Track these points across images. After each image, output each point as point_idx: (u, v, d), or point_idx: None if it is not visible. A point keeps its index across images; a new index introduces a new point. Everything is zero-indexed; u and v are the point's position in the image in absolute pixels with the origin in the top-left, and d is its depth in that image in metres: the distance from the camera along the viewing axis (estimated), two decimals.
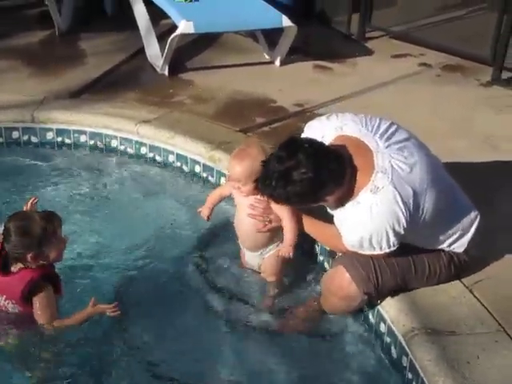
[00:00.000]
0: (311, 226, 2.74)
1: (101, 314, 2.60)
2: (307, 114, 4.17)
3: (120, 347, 2.66)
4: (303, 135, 2.60)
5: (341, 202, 2.43)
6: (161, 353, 2.66)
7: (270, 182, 2.29)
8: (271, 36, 5.06)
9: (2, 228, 2.55)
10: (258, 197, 2.71)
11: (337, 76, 4.84)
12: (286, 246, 2.75)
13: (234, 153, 2.77)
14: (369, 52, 5.29)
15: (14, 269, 2.55)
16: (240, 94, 4.44)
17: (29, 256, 2.49)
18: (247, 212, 2.77)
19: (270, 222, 2.75)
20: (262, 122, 4.06)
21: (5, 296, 2.56)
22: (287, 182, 2.27)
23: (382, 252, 2.42)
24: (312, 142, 2.33)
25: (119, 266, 3.08)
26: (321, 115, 2.70)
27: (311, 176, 2.25)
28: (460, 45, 5.12)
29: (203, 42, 5.27)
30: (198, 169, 3.76)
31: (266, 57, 5.08)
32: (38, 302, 2.53)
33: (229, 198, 3.00)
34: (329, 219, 2.61)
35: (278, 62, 4.97)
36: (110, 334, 2.70)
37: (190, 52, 5.11)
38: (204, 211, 2.95)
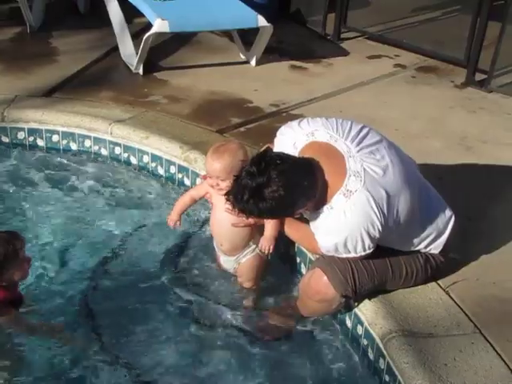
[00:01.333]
0: (289, 226, 2.72)
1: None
2: (283, 114, 4.16)
3: (94, 354, 2.61)
4: (275, 141, 2.60)
5: (315, 208, 2.43)
6: (135, 359, 2.61)
7: (241, 197, 2.28)
8: (247, 35, 5.05)
9: None
10: None
11: (312, 76, 4.84)
12: (266, 239, 2.71)
13: (212, 149, 2.72)
14: (344, 52, 5.31)
15: None
16: (215, 94, 4.41)
17: None
18: (225, 208, 2.71)
19: (248, 217, 2.70)
20: (237, 123, 4.04)
21: None
22: (258, 199, 2.26)
23: (357, 255, 2.42)
24: (284, 158, 2.31)
25: (89, 271, 3.02)
26: (296, 116, 2.71)
27: (282, 194, 2.25)
28: (434, 46, 5.18)
29: (178, 41, 5.23)
30: (173, 169, 3.72)
31: (242, 56, 5.05)
32: (4, 322, 2.50)
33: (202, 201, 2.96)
34: (306, 220, 2.59)
35: (253, 62, 4.95)
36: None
37: (165, 51, 5.06)
38: (172, 217, 2.88)
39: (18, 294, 2.62)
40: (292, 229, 2.70)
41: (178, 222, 2.89)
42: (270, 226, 2.71)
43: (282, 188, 2.24)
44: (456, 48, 4.94)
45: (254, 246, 2.84)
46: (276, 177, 2.24)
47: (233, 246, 2.85)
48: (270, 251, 2.74)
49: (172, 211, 2.91)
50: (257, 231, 2.81)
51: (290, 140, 2.49)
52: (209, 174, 2.71)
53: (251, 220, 2.69)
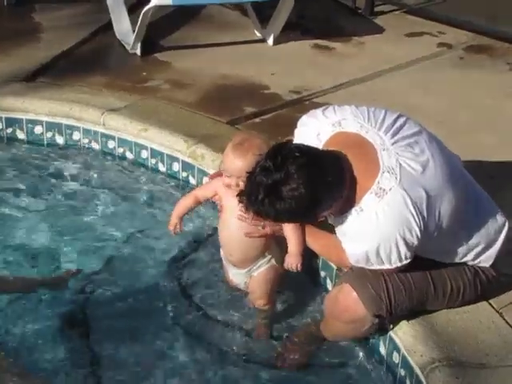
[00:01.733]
0: (310, 235, 2.72)
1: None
2: (305, 102, 4.18)
3: (87, 369, 2.67)
4: (296, 132, 2.60)
5: (341, 210, 2.42)
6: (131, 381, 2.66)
7: (255, 197, 2.28)
8: (263, 9, 5.06)
9: None
10: None
11: (340, 58, 4.84)
12: (291, 256, 2.71)
13: (234, 144, 2.71)
14: (379, 30, 5.30)
15: None
16: (226, 79, 4.42)
17: None
18: (237, 215, 2.71)
19: (264, 227, 2.72)
20: (252, 112, 4.06)
21: None
22: (275, 199, 2.25)
23: (392, 267, 2.42)
24: (304, 150, 2.31)
25: (79, 282, 3.06)
26: (321, 104, 2.71)
27: (303, 192, 2.23)
28: (487, 21, 5.16)
29: (182, 15, 5.26)
30: (176, 167, 3.74)
31: (257, 34, 5.07)
32: None
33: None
34: (331, 228, 2.59)
35: (271, 41, 4.96)
36: (76, 352, 2.73)
37: (167, 28, 5.10)
38: (171, 220, 2.89)
39: None
40: (313, 238, 2.70)
41: (179, 226, 2.91)
42: (293, 239, 2.70)
43: (302, 185, 2.23)
44: None
45: (269, 257, 2.85)
46: (295, 172, 2.23)
47: (244, 257, 2.86)
48: (299, 269, 2.73)
49: (172, 214, 2.92)
50: (273, 240, 2.82)
51: (313, 131, 2.49)
52: (228, 172, 2.71)
53: (267, 229, 2.71)
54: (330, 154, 2.36)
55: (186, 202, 2.93)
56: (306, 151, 2.31)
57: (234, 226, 2.77)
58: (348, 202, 2.38)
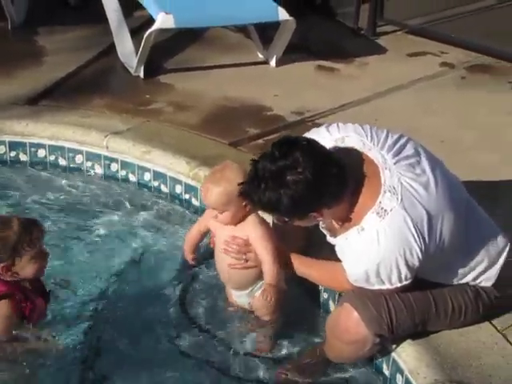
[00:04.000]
0: (304, 265, 2.75)
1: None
2: (308, 123, 4.19)
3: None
4: None
5: (342, 226, 2.45)
6: None
7: (259, 183, 2.29)
8: (266, 31, 5.10)
9: None
10: (237, 230, 2.75)
11: (343, 78, 4.87)
12: (267, 288, 2.76)
13: (208, 176, 2.80)
14: (381, 50, 5.34)
15: None
16: (229, 101, 4.45)
17: None
18: (221, 249, 2.80)
19: (247, 260, 2.78)
20: (255, 134, 4.08)
21: None
22: (280, 184, 2.26)
23: (392, 287, 2.43)
24: (311, 141, 2.35)
25: (86, 301, 3.08)
26: (326, 123, 2.72)
27: (308, 178, 2.25)
28: (489, 41, 5.17)
29: (185, 38, 5.29)
30: (179, 189, 3.76)
31: (260, 56, 5.11)
32: None
33: None
34: (328, 255, 2.61)
35: (273, 63, 5.00)
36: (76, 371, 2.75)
37: (170, 50, 5.13)
38: (188, 256, 3.03)
39: (29, 292, 2.70)
40: (311, 268, 2.74)
41: (195, 257, 3.03)
42: (267, 272, 2.75)
43: (308, 171, 2.24)
44: None
45: None
46: (301, 158, 2.25)
47: (238, 286, 2.93)
48: (272, 300, 2.76)
49: (185, 251, 3.03)
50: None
51: None
52: (206, 205, 2.80)
53: (250, 263, 2.77)
54: (336, 153, 2.38)
55: (191, 237, 3.03)
56: (313, 141, 2.34)
57: (223, 259, 2.84)
58: (349, 215, 2.40)
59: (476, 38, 5.23)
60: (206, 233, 3.01)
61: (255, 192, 2.32)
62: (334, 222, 2.51)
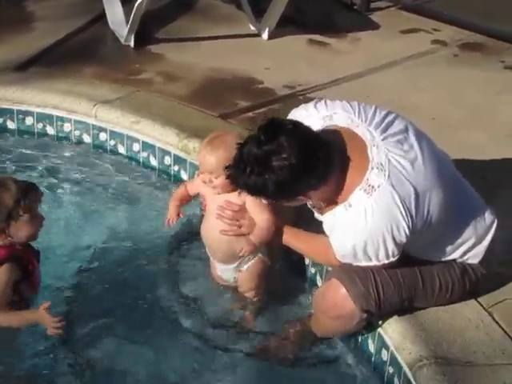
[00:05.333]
0: (295, 237, 2.75)
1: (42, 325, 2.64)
2: (299, 97, 4.17)
3: (73, 365, 2.68)
4: None
5: (329, 205, 2.45)
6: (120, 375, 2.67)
7: (244, 167, 2.30)
8: (258, 3, 5.05)
9: None
10: (233, 196, 2.72)
11: (335, 53, 4.84)
12: (248, 240, 2.76)
13: (207, 140, 2.78)
14: (374, 26, 5.30)
15: None
16: (219, 72, 4.42)
17: None
18: (216, 214, 2.78)
19: (240, 227, 2.77)
20: (245, 106, 4.06)
21: None
22: (265, 169, 2.27)
23: (379, 263, 2.44)
24: (297, 124, 2.35)
25: (71, 276, 3.06)
26: (315, 99, 2.71)
27: (293, 162, 2.26)
28: (482, 19, 5.15)
29: (177, 7, 5.25)
30: (168, 160, 3.74)
31: (252, 28, 5.06)
32: None
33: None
34: (316, 231, 2.61)
35: (265, 35, 4.96)
36: (60, 349, 2.73)
37: (161, 20, 5.08)
38: (171, 210, 2.94)
39: (28, 257, 2.71)
40: (300, 240, 2.74)
41: (176, 219, 2.95)
42: (256, 230, 2.75)
43: (293, 156, 2.25)
44: (507, 21, 4.93)
45: (259, 253, 2.88)
46: (287, 143, 2.25)
47: (227, 257, 2.90)
48: (244, 254, 2.79)
49: (170, 208, 2.95)
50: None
51: (303, 122, 2.50)
52: (201, 168, 2.78)
53: (244, 229, 2.76)
54: (322, 135, 2.38)
55: (178, 193, 2.98)
56: (299, 125, 2.34)
57: (215, 226, 2.81)
58: (336, 194, 2.40)
59: (469, 16, 5.21)
60: (191, 197, 2.99)
61: (241, 176, 2.33)
62: (321, 202, 2.50)
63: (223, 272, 2.97)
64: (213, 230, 2.85)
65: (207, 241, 2.94)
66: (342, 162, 2.37)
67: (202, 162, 2.76)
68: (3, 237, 2.64)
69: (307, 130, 2.36)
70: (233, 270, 2.93)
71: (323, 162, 2.32)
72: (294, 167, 2.26)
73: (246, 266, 2.90)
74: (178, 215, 2.95)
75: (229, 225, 2.77)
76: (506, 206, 3.05)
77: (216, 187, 2.75)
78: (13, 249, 2.67)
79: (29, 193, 2.64)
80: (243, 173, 2.31)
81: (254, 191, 2.38)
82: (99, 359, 2.72)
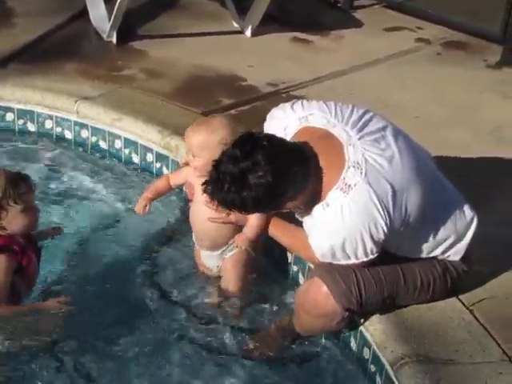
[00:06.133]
0: (281, 230, 2.75)
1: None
2: (282, 95, 4.18)
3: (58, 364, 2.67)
4: (265, 125, 2.65)
5: (308, 206, 2.45)
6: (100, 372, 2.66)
7: (221, 185, 2.31)
8: (242, 0, 5.04)
9: None
10: None
11: (319, 51, 4.84)
12: (241, 237, 2.77)
13: (195, 122, 2.88)
14: (357, 24, 5.31)
15: None
16: (203, 69, 4.40)
17: None
18: (203, 201, 2.74)
19: (229, 214, 2.75)
20: (228, 104, 4.04)
21: None
22: (241, 187, 2.29)
23: (358, 261, 2.44)
24: (272, 140, 2.35)
25: (52, 272, 3.04)
26: (298, 98, 2.71)
27: (269, 180, 2.28)
28: (465, 18, 5.19)
29: (160, 3, 5.23)
30: (150, 158, 3.72)
31: (235, 25, 5.05)
32: None
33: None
34: (300, 223, 2.61)
35: (248, 32, 4.95)
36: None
37: (144, 16, 5.06)
38: (140, 201, 2.95)
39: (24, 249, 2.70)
40: (283, 232, 2.73)
41: (147, 208, 2.95)
42: (250, 226, 2.75)
43: (269, 174, 2.27)
44: (491, 20, 4.95)
45: None
46: (262, 160, 2.27)
47: (214, 243, 2.92)
48: (242, 248, 2.81)
49: (140, 199, 2.96)
50: (242, 227, 2.83)
51: (280, 124, 2.54)
52: (187, 149, 2.84)
53: (232, 217, 2.75)
54: (297, 146, 2.40)
55: (156, 184, 3.00)
56: (275, 140, 2.36)
57: (203, 213, 2.81)
58: (314, 196, 2.41)
59: (453, 15, 5.24)
60: (173, 188, 3.02)
61: (218, 193, 2.34)
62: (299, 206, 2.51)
63: (207, 259, 2.98)
64: (201, 217, 2.85)
65: (195, 227, 2.95)
66: (318, 167, 2.38)
67: (187, 142, 2.83)
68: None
69: (282, 144, 2.37)
70: (217, 257, 2.94)
71: (300, 176, 2.35)
72: (271, 185, 2.28)
73: (229, 254, 2.91)
74: (145, 208, 2.94)
75: (217, 211, 2.74)
76: (489, 204, 3.07)
77: (196, 168, 2.78)
78: (10, 240, 2.65)
79: (19, 183, 2.63)
80: (221, 190, 2.32)
81: (232, 207, 2.39)
82: (78, 359, 2.70)
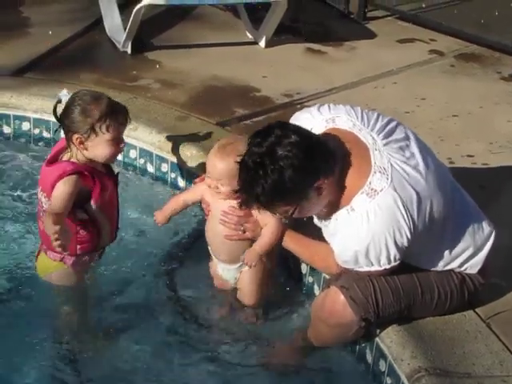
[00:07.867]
0: (296, 241, 2.74)
1: None
2: (296, 106, 4.17)
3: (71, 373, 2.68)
4: None
5: (331, 209, 2.44)
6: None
7: (254, 171, 2.25)
8: (256, 11, 5.06)
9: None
10: (234, 203, 2.68)
11: (332, 62, 4.84)
12: (251, 251, 2.74)
13: (218, 146, 2.73)
14: (370, 35, 5.31)
15: (59, 159, 2.72)
16: (217, 80, 4.41)
17: (74, 137, 2.63)
18: (219, 220, 2.77)
19: (244, 231, 2.75)
20: (242, 115, 4.05)
21: (41, 187, 2.75)
22: (276, 159, 2.24)
23: (381, 268, 2.43)
24: (297, 128, 2.35)
25: None
26: (319, 104, 2.70)
27: (298, 140, 2.26)
28: (479, 30, 5.17)
29: (174, 14, 5.25)
30: (164, 167, 3.72)
31: (249, 36, 5.07)
32: (55, 189, 2.61)
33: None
34: (314, 235, 2.60)
35: (262, 43, 4.96)
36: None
37: (159, 27, 5.08)
38: (159, 217, 2.92)
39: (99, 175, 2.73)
40: (300, 244, 2.73)
41: (167, 220, 2.95)
42: (262, 241, 2.73)
43: (295, 147, 2.25)
44: (504, 32, 4.94)
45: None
46: (284, 133, 2.27)
47: (230, 258, 2.89)
48: (251, 266, 2.78)
49: (161, 211, 2.93)
50: None
51: (306, 125, 2.49)
52: (209, 174, 2.73)
53: (248, 234, 2.75)
54: (323, 138, 2.38)
55: (176, 203, 2.94)
56: (300, 129, 2.34)
57: (219, 230, 2.80)
58: (338, 198, 2.39)
59: (466, 27, 5.23)
60: (190, 205, 2.97)
61: (256, 181, 2.26)
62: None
63: (224, 272, 2.95)
64: (217, 234, 2.83)
65: (211, 242, 2.92)
66: (343, 164, 2.37)
67: (211, 168, 2.70)
68: (81, 147, 2.64)
69: (309, 133, 2.36)
70: (234, 270, 2.91)
71: (326, 155, 2.31)
72: (300, 144, 2.25)
73: (247, 267, 2.87)
74: (165, 220, 2.93)
75: (233, 229, 2.75)
76: (504, 216, 3.05)
77: (222, 194, 2.71)
78: (79, 166, 2.66)
79: (118, 114, 2.67)
80: (257, 176, 2.26)
81: (272, 193, 2.29)
82: (91, 361, 2.74)
